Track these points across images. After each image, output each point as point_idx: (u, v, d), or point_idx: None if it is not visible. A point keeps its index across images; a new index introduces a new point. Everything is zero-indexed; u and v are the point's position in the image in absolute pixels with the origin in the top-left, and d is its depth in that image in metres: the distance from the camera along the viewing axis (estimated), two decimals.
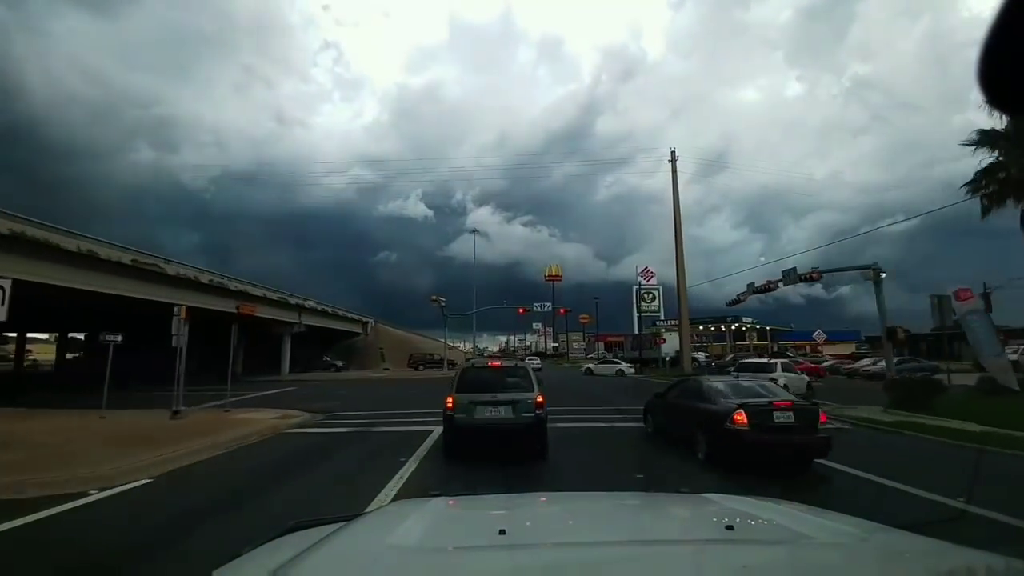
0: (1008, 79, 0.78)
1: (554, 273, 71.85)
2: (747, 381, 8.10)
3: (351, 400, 18.08)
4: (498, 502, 2.08)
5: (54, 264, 18.63)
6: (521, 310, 47.85)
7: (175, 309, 13.41)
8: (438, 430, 9.00)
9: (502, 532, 1.29)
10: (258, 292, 32.93)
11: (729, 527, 1.34)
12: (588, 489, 4.14)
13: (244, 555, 1.33)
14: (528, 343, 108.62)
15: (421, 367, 45.22)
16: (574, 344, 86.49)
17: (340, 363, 46.27)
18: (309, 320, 41.59)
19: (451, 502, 1.85)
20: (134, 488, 6.30)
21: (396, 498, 5.42)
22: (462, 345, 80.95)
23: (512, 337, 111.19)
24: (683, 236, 34.44)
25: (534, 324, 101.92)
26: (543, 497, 2.45)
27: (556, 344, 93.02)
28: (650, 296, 42.37)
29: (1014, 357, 25.08)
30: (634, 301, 42.38)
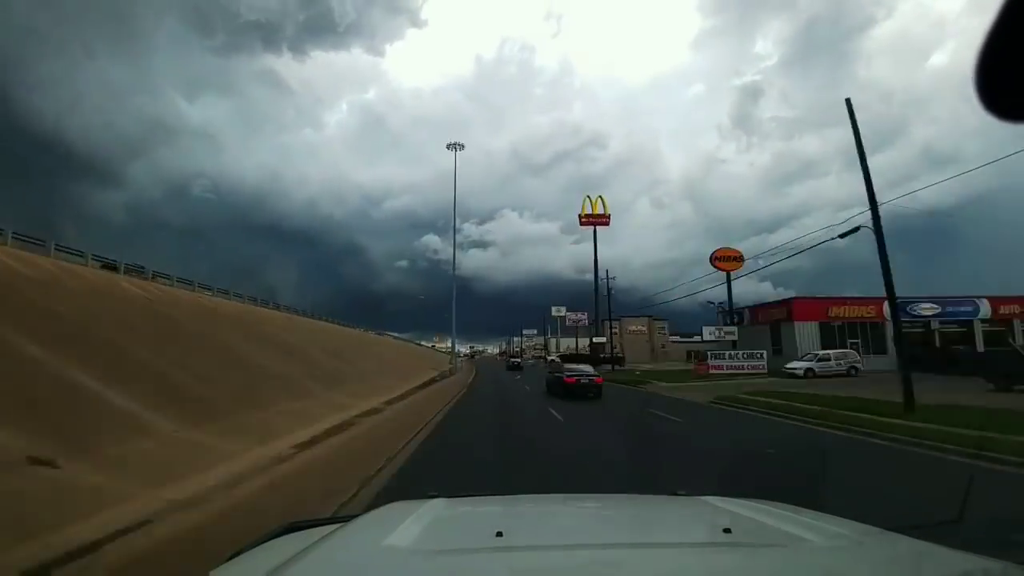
0: (1005, 85, 0.78)
1: (596, 212, 40.82)
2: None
3: None
4: (495, 503, 2.08)
5: None
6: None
7: None
8: None
9: (499, 534, 1.25)
10: None
11: (726, 530, 1.31)
12: None
13: (240, 556, 1.34)
14: (558, 346, 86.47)
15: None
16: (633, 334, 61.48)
17: None
18: None
19: (448, 503, 1.76)
20: None
21: None
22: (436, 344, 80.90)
23: (520, 338, 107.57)
24: None
25: (524, 331, 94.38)
26: (540, 499, 2.38)
27: (603, 339, 48.76)
28: None
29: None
30: None
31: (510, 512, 1.88)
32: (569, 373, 19.10)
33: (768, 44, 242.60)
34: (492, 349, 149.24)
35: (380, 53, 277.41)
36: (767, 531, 1.42)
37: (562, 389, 17.92)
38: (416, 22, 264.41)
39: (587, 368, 21.83)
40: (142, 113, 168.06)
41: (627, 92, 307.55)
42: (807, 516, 1.57)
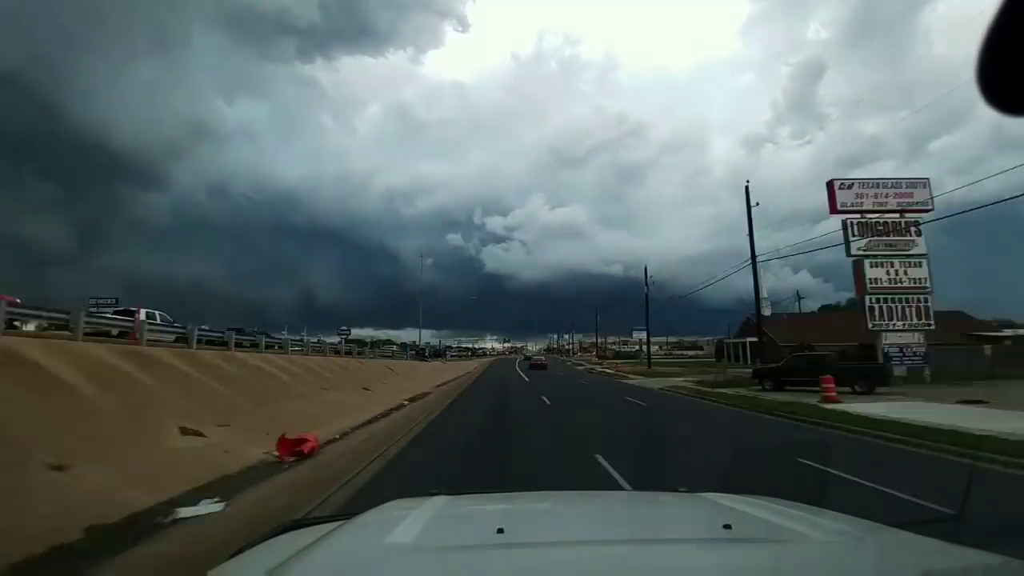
0: (1007, 79, 0.78)
1: None
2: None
3: None
4: (496, 500, 2.08)
5: None
6: None
7: None
8: None
9: (500, 531, 1.26)
10: None
11: (726, 526, 1.29)
12: None
13: (240, 555, 1.35)
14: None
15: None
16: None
17: None
18: None
19: (449, 500, 1.77)
20: None
21: None
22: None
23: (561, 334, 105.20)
24: None
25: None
26: (541, 496, 2.40)
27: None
28: None
29: None
30: None
31: (511, 509, 1.89)
32: (534, 358, 62.33)
33: (818, 26, 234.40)
34: (532, 346, 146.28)
35: (420, 63, 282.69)
36: (768, 527, 1.41)
37: (529, 365, 53.45)
38: (463, 25, 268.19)
39: (542, 356, 65.26)
40: (184, 115, 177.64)
41: (672, 82, 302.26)
42: (808, 512, 1.56)
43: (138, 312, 16.93)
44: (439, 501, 1.73)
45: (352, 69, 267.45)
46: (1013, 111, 0.82)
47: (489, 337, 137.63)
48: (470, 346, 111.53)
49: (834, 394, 14.85)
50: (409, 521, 1.41)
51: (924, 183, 23.86)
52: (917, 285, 23.04)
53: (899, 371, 21.58)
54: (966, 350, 26.64)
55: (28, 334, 10.71)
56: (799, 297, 56.35)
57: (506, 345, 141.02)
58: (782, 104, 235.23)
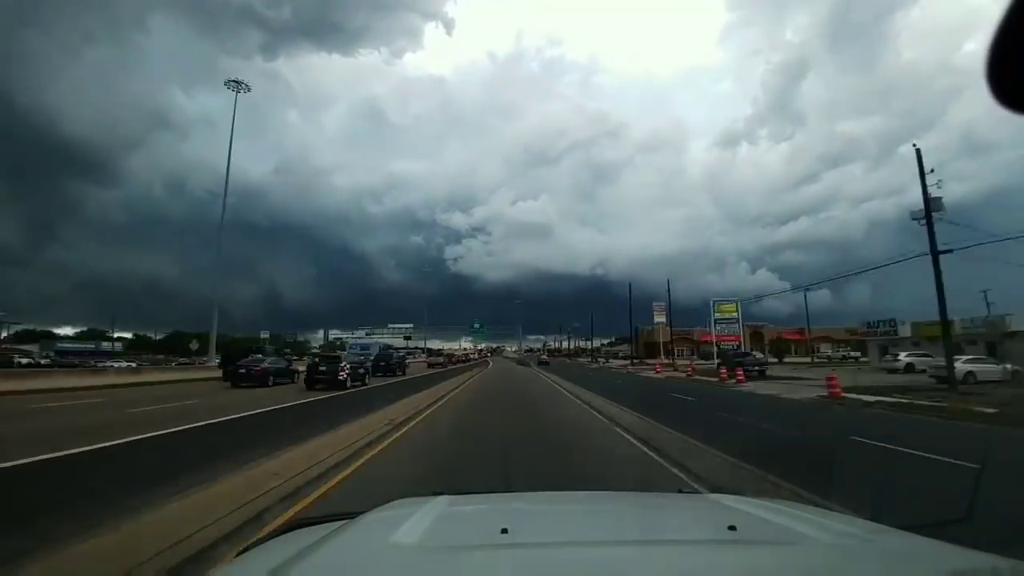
0: (1016, 77, 0.79)
1: None
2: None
3: None
4: (501, 500, 2.09)
5: None
6: None
7: None
8: None
9: (504, 531, 1.26)
10: None
11: (731, 527, 1.29)
12: None
13: (245, 554, 1.38)
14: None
15: None
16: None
17: None
18: None
19: (453, 500, 1.79)
20: None
21: None
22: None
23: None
24: None
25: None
26: (546, 496, 2.40)
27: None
28: None
29: None
30: None
31: (515, 509, 1.89)
32: (543, 357, 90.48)
33: (791, 33, 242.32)
34: (510, 347, 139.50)
35: (396, 64, 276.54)
36: (773, 529, 1.41)
37: (539, 360, 79.39)
38: (447, 27, 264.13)
39: (546, 356, 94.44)
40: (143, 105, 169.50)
41: (652, 87, 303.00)
42: (813, 514, 1.55)
43: None
44: (443, 500, 1.72)
45: (323, 68, 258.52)
46: (1021, 109, 0.83)
47: (464, 339, 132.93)
48: (422, 346, 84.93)
49: None
50: (413, 520, 1.41)
51: None
52: None
53: None
54: None
55: None
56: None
57: (482, 345, 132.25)
58: (762, 102, 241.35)
